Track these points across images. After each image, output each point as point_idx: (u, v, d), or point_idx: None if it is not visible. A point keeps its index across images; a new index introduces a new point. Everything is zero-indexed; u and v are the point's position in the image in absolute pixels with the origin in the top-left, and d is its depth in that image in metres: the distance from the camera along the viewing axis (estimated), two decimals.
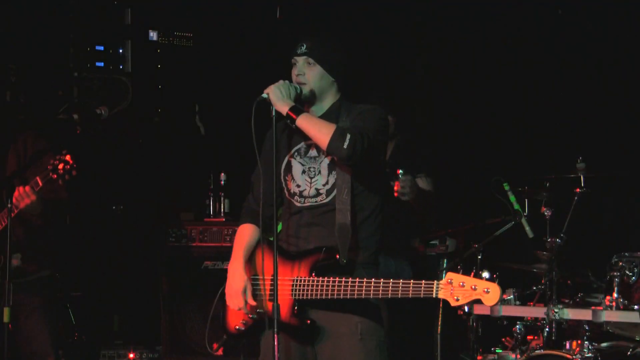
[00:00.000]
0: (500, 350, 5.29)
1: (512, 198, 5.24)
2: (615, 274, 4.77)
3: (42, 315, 4.94)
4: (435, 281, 3.45)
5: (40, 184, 4.61)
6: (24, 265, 4.86)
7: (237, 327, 3.89)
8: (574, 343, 4.84)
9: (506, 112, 6.70)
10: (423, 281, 3.47)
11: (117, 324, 6.72)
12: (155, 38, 6.58)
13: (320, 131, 3.66)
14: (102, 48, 6.35)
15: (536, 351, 4.90)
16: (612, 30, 6.27)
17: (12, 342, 4.76)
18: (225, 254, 6.31)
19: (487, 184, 5.26)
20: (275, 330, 3.55)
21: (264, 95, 3.69)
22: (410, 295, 3.47)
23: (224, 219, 6.10)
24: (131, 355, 6.18)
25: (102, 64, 6.34)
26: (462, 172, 6.89)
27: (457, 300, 3.41)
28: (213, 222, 6.15)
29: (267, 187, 3.79)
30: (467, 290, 3.40)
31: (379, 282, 3.53)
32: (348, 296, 3.57)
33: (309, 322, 3.70)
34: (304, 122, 3.67)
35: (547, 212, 5.09)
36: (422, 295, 3.46)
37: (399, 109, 5.53)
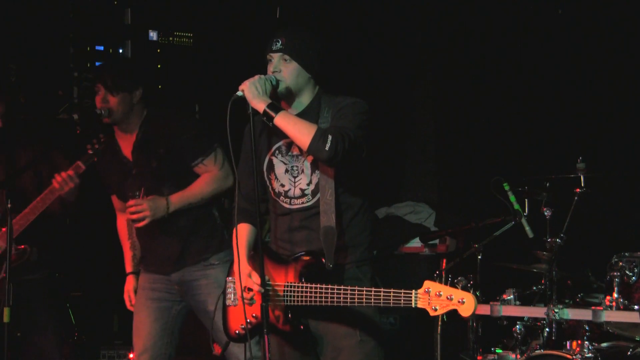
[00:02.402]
0: (500, 350, 5.29)
1: (512, 198, 5.24)
2: (615, 274, 4.76)
3: (46, 315, 5.03)
4: (414, 290, 3.42)
5: (83, 167, 4.66)
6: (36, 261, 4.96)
7: (237, 331, 3.88)
8: (574, 343, 4.84)
9: (506, 112, 6.70)
10: (402, 290, 3.44)
11: (117, 324, 6.72)
12: (155, 38, 6.57)
13: (300, 132, 3.56)
14: (102, 48, 6.35)
15: (536, 351, 4.90)
16: (612, 30, 6.27)
17: (15, 342, 4.79)
18: None
19: (487, 184, 5.26)
20: (265, 331, 3.53)
21: (239, 93, 3.60)
22: (391, 304, 3.45)
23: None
24: (131, 355, 6.15)
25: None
26: (463, 172, 6.89)
27: (435, 310, 3.39)
28: None
29: (248, 185, 3.76)
30: (444, 300, 3.37)
31: (362, 291, 3.50)
32: (335, 303, 3.55)
33: (302, 327, 3.69)
34: (282, 121, 3.57)
35: (547, 212, 5.09)
36: (402, 305, 3.43)
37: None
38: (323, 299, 3.57)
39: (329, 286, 3.56)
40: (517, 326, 5.08)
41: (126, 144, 4.70)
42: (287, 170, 3.77)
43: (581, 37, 6.38)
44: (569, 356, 4.68)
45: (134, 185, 4.66)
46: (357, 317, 3.69)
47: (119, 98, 4.58)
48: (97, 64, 6.31)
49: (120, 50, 6.40)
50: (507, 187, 5.25)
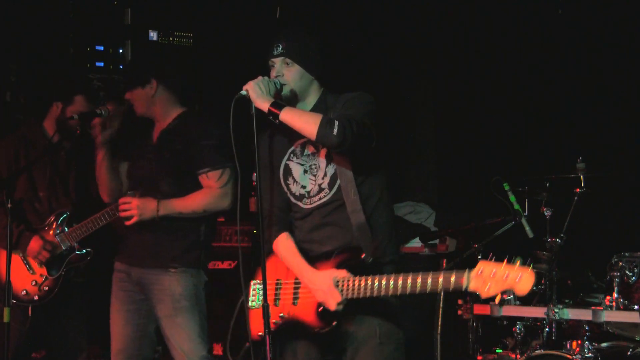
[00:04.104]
0: (500, 350, 5.29)
1: (512, 198, 5.23)
2: (615, 274, 4.77)
3: (83, 314, 5.21)
4: (467, 270, 3.31)
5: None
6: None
7: (261, 333, 3.82)
8: (574, 343, 4.84)
9: (506, 112, 6.70)
10: (454, 271, 3.34)
11: None
12: (155, 38, 6.57)
13: (306, 122, 3.57)
14: (102, 48, 6.35)
15: (536, 351, 4.90)
16: (612, 30, 6.27)
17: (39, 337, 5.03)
18: (225, 254, 6.31)
19: (487, 184, 5.26)
20: (266, 331, 3.50)
21: (243, 92, 3.61)
22: (439, 289, 3.36)
23: (223, 219, 6.07)
24: None
25: (102, 64, 6.33)
26: (463, 172, 6.89)
27: (489, 291, 3.24)
28: None
29: (266, 192, 3.77)
30: (499, 280, 3.24)
31: (408, 276, 3.43)
32: (384, 293, 3.47)
33: (334, 323, 3.62)
34: (287, 115, 3.58)
35: (547, 212, 5.09)
36: (451, 288, 3.33)
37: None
38: (373, 290, 3.49)
39: (377, 276, 3.49)
40: (517, 326, 5.09)
41: (157, 129, 4.73)
42: (305, 171, 3.77)
43: (581, 37, 6.38)
44: (569, 356, 4.69)
45: (141, 170, 4.69)
46: (378, 319, 3.66)
47: (134, 95, 4.67)
48: (97, 64, 6.31)
49: (120, 50, 6.39)
50: (507, 187, 5.25)
